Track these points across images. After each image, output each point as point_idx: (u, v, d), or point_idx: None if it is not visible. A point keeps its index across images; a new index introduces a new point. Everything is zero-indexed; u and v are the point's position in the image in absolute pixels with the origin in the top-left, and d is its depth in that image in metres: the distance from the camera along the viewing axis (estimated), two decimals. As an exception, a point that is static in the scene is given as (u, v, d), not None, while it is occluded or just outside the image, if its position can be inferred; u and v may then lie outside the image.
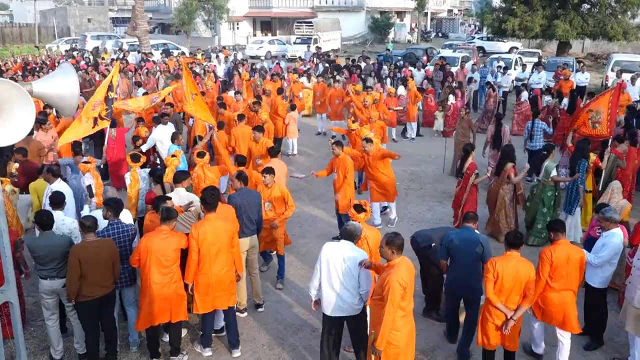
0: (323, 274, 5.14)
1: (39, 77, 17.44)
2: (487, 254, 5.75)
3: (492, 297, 5.20)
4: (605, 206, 6.18)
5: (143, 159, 7.98)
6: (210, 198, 5.64)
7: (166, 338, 6.11)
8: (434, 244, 6.55)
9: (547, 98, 15.01)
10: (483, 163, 11.16)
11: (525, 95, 15.53)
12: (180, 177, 6.70)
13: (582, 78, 18.47)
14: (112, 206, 5.81)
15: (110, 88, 9.18)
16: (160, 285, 5.48)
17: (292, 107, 13.46)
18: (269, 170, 7.07)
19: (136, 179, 7.66)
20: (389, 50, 29.02)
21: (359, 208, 5.74)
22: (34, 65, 22.81)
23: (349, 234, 5.22)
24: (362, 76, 19.77)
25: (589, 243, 6.21)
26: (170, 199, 6.19)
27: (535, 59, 24.09)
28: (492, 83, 16.93)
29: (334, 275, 5.08)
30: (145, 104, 11.16)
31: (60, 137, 9.25)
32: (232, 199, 6.55)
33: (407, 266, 4.76)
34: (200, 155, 7.77)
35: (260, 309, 6.88)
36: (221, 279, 5.69)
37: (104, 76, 18.96)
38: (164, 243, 5.46)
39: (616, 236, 5.80)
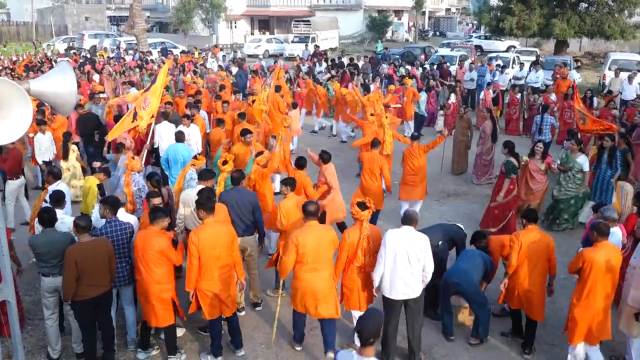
0: (388, 260, 5.33)
1: (28, 76, 17.37)
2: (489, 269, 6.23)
3: (515, 264, 5.81)
4: (604, 205, 6.21)
5: (200, 159, 7.93)
6: (206, 200, 5.55)
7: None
8: (440, 242, 6.56)
9: (518, 95, 15.58)
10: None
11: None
12: (205, 175, 6.72)
13: (575, 77, 18.53)
14: (110, 204, 5.81)
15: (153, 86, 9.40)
16: (146, 283, 5.50)
17: (294, 105, 13.46)
18: (287, 182, 6.73)
19: (181, 175, 7.63)
20: (386, 49, 29.01)
21: (363, 205, 5.70)
22: (33, 64, 22.77)
23: (410, 219, 5.46)
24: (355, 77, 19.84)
25: (587, 242, 6.22)
26: (160, 195, 6.17)
27: (533, 58, 24.12)
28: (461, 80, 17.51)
29: (399, 260, 5.33)
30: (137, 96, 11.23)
31: (111, 132, 9.44)
32: (220, 197, 6.56)
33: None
34: (258, 154, 7.80)
35: (258, 308, 6.89)
36: (225, 284, 5.64)
37: (97, 71, 18.96)
38: (147, 242, 5.44)
39: (614, 236, 5.83)
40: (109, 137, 9.30)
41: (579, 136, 10.27)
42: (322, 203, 7.72)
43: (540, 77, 18.25)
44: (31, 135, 10.32)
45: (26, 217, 8.97)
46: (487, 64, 20.35)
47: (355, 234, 5.63)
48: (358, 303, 5.83)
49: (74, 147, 10.12)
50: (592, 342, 5.44)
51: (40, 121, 10.22)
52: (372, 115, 11.27)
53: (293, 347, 6.14)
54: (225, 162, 7.35)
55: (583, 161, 8.92)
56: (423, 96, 15.29)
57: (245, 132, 9.14)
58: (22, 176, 9.28)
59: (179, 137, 9.23)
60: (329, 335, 5.82)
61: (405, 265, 5.35)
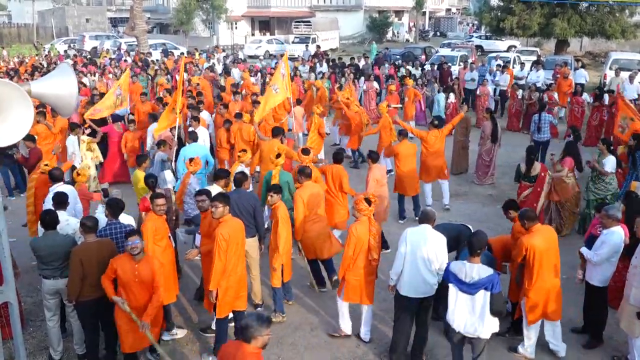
0: (408, 259, 5.42)
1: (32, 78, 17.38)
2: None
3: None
4: (609, 204, 6.22)
5: (249, 154, 8.34)
6: (225, 197, 5.68)
7: (166, 337, 6.12)
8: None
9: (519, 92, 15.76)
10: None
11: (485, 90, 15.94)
12: (221, 174, 7.08)
13: (584, 76, 18.49)
14: (111, 206, 5.82)
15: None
16: None
17: (298, 102, 13.52)
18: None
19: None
20: (387, 49, 28.97)
21: (369, 201, 5.84)
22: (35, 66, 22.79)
23: (428, 217, 5.56)
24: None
25: (590, 241, 6.22)
26: (163, 196, 6.19)
27: (534, 58, 24.08)
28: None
29: (419, 258, 5.42)
30: (112, 101, 11.45)
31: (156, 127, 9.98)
32: None
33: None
34: (305, 152, 7.94)
35: (259, 309, 6.88)
36: (243, 278, 5.78)
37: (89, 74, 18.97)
38: None
39: (616, 234, 5.83)
40: (156, 133, 9.80)
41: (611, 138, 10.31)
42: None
43: (540, 77, 18.22)
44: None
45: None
46: (488, 65, 20.37)
47: (363, 229, 5.74)
48: (360, 297, 6.00)
49: (84, 137, 10.28)
50: (554, 318, 5.78)
51: (74, 125, 10.45)
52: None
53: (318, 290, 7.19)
54: (278, 156, 7.64)
55: (606, 162, 8.57)
56: (441, 97, 15.22)
57: (277, 131, 9.47)
58: None
59: (195, 137, 9.43)
60: (330, 265, 7.22)
61: (425, 264, 5.46)
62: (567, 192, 8.70)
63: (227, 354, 3.82)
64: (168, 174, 8.29)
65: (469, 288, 4.82)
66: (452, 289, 4.92)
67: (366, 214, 5.79)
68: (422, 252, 5.42)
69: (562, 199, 8.74)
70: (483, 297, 4.77)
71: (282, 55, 13.19)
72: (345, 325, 6.29)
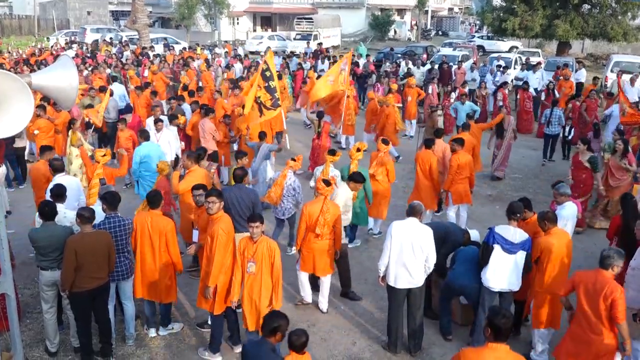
0: (394, 250, 5.58)
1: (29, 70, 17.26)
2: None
3: None
4: (560, 182, 6.73)
5: (338, 154, 8.30)
6: (218, 193, 5.71)
7: (163, 331, 6.12)
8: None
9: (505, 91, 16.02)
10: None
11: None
12: (357, 177, 7.24)
13: (584, 75, 18.55)
14: (108, 199, 5.81)
15: (270, 77, 9.73)
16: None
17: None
18: (254, 218, 5.48)
19: (328, 173, 7.74)
20: (391, 49, 28.89)
21: (327, 182, 6.37)
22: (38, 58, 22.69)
23: (415, 211, 5.71)
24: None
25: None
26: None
27: (537, 59, 24.02)
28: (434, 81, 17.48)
29: (405, 250, 5.58)
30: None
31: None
32: (224, 192, 6.56)
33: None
34: (385, 141, 8.28)
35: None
36: (231, 272, 5.74)
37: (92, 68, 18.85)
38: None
39: (570, 207, 6.42)
40: (243, 127, 10.14)
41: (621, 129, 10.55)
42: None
43: (530, 77, 18.05)
44: (36, 132, 10.39)
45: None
46: (489, 65, 20.35)
47: (316, 206, 6.28)
48: (313, 268, 6.49)
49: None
50: (556, 327, 5.79)
51: (172, 117, 10.62)
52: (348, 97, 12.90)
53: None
54: (358, 150, 8.07)
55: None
56: (460, 106, 14.87)
57: (321, 114, 10.75)
58: (3, 165, 9.28)
59: (146, 136, 9.02)
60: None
61: (410, 256, 5.59)
62: (615, 193, 8.70)
63: (586, 279, 4.73)
64: (269, 166, 8.37)
65: (512, 247, 5.50)
66: (498, 250, 5.55)
67: (323, 194, 6.27)
68: (407, 244, 5.56)
69: (610, 198, 8.89)
70: (522, 257, 5.49)
71: (283, 52, 13.33)
72: (306, 294, 6.75)
